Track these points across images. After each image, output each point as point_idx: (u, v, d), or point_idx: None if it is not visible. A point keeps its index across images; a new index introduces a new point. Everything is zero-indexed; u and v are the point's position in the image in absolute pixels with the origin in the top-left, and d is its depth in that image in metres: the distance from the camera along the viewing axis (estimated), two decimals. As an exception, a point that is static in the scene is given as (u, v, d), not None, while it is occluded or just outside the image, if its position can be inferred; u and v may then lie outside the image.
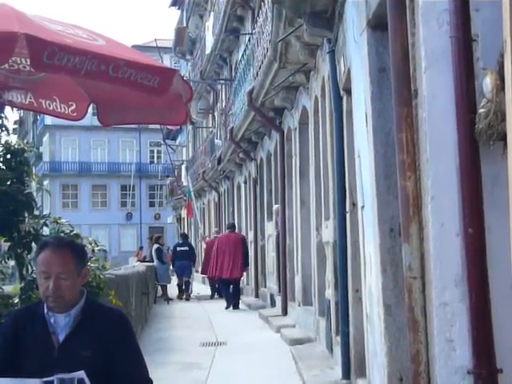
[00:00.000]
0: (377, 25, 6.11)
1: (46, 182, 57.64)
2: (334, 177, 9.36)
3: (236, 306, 19.69)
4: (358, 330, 7.99)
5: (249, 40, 18.03)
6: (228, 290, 20.15)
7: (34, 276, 5.07)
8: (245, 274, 21.07)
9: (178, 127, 42.59)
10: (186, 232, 28.76)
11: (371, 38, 6.28)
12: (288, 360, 11.12)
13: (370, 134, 6.29)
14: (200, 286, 24.28)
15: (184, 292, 23.73)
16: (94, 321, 3.63)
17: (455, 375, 4.41)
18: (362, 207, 7.13)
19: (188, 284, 24.03)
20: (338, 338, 9.24)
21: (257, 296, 20.71)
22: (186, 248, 24.30)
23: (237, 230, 22.36)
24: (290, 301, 15.23)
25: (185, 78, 5.65)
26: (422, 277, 4.70)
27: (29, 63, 4.31)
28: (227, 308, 19.66)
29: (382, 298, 6.08)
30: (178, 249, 24.38)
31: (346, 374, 8.69)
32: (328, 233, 10.43)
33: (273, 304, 17.73)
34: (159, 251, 23.46)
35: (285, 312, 15.62)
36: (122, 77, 3.99)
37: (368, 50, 6.31)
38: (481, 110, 4.18)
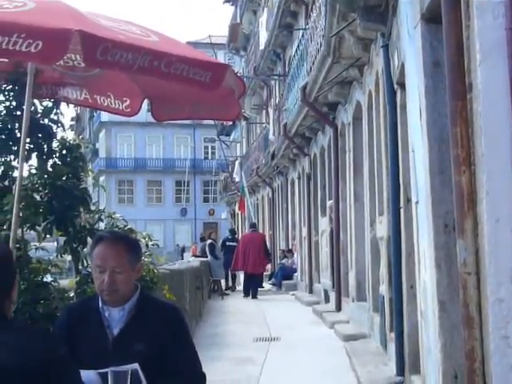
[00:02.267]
0: (431, 18, 6.03)
1: (102, 178, 58.33)
2: (388, 172, 9.30)
3: (255, 296, 22.08)
4: (413, 326, 7.93)
5: (302, 35, 17.98)
6: (249, 282, 22.73)
7: (89, 270, 5.13)
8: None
9: (232, 123, 42.78)
10: (234, 228, 29.38)
11: (425, 31, 6.21)
12: (342, 356, 11.10)
13: (424, 129, 6.22)
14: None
15: (232, 283, 25.58)
16: (148, 315, 3.65)
17: (511, 372, 4.35)
18: (417, 202, 7.06)
19: (235, 276, 25.64)
20: (392, 335, 9.19)
21: (311, 292, 20.69)
22: (235, 243, 24.94)
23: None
24: (344, 296, 15.17)
25: (238, 74, 5.68)
26: (477, 273, 4.64)
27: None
28: (245, 297, 22.34)
29: (436, 294, 6.02)
30: (227, 243, 25.10)
31: (401, 370, 8.63)
32: (382, 228, 10.37)
33: (327, 300, 17.68)
34: (212, 246, 23.72)
35: (339, 308, 15.57)
36: (175, 72, 4.01)
37: (422, 43, 6.24)
38: (537, 103, 4.11)
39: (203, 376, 3.74)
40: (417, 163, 6.87)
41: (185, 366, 3.64)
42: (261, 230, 30.91)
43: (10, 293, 2.88)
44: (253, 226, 25.72)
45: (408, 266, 8.22)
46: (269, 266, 27.35)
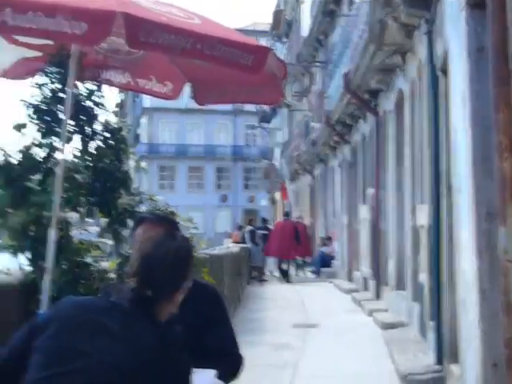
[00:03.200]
0: (475, 3, 5.97)
1: (143, 164, 58.54)
2: (430, 160, 9.24)
3: (288, 280, 23.40)
4: (452, 315, 7.89)
5: (345, 22, 17.90)
6: (285, 267, 23.97)
7: (130, 252, 5.17)
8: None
9: (273, 109, 42.75)
10: (266, 217, 29.89)
11: (469, 17, 6.15)
12: (380, 344, 11.08)
13: (467, 116, 6.17)
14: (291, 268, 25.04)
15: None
16: (188, 295, 3.66)
17: (551, 361, 4.31)
18: (458, 190, 7.02)
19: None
20: (431, 323, 9.15)
21: (350, 280, 20.66)
22: (266, 232, 25.38)
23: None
24: (383, 285, 15.13)
25: (279, 58, 5.65)
26: (518, 260, 4.60)
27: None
28: (280, 280, 23.53)
29: (476, 282, 5.98)
30: (258, 232, 25.29)
31: (439, 359, 8.60)
32: (423, 216, 10.30)
33: (366, 288, 17.65)
34: (252, 233, 23.85)
35: (377, 296, 15.54)
36: (217, 55, 4.02)
37: (466, 29, 6.18)
38: None
39: (241, 358, 3.76)
40: (459, 151, 6.82)
41: (223, 345, 3.66)
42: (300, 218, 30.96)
43: (172, 294, 2.80)
44: (286, 214, 27.25)
45: (448, 255, 8.17)
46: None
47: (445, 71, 8.05)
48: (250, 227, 24.77)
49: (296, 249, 24.68)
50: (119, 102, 77.40)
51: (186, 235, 6.08)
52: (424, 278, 10.12)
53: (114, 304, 2.69)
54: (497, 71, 4.76)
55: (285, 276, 23.79)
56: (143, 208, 6.14)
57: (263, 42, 43.86)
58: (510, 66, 4.64)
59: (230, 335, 3.74)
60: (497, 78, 4.76)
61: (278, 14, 38.63)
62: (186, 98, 5.96)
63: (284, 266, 24.23)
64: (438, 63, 8.51)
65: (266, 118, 48.72)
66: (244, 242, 24.74)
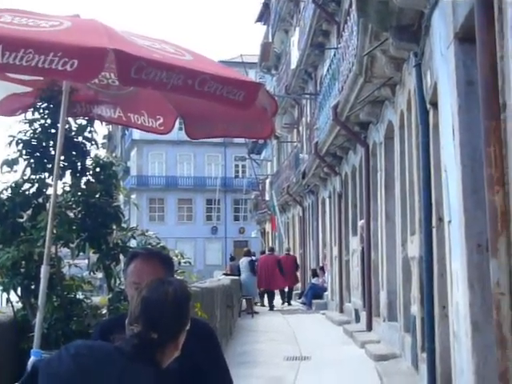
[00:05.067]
0: (464, 37, 6.02)
1: (133, 196, 58.59)
2: (420, 191, 9.26)
3: (272, 309, 24.99)
4: (445, 346, 7.86)
5: (334, 54, 18.01)
6: (270, 297, 25.65)
7: (122, 287, 5.15)
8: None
9: (263, 141, 42.87)
10: (250, 249, 29.81)
11: (459, 50, 6.20)
12: (373, 376, 11.01)
13: (457, 148, 6.20)
14: (279, 299, 25.15)
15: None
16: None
17: (545, 395, 4.29)
18: (449, 222, 7.02)
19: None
20: (424, 355, 9.12)
21: (341, 311, 20.60)
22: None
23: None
24: (375, 316, 15.08)
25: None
26: (511, 293, 4.60)
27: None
28: (270, 310, 24.94)
29: (469, 314, 5.97)
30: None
31: (432, 391, 8.56)
32: (414, 248, 10.31)
33: (357, 319, 17.59)
34: (252, 264, 23.97)
35: (369, 327, 15.47)
36: (208, 91, 4.03)
37: (455, 62, 6.22)
38: None
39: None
40: (449, 183, 6.84)
41: (218, 382, 3.63)
42: (291, 249, 31.05)
43: (175, 341, 2.85)
44: (270, 249, 29.01)
45: (440, 286, 8.16)
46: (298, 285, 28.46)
47: (434, 104, 8.09)
48: (248, 258, 24.81)
49: (281, 280, 25.81)
50: (107, 134, 77.47)
51: (178, 269, 6.07)
52: (416, 309, 10.11)
53: (117, 349, 2.68)
54: (487, 105, 4.78)
55: (270, 305, 25.09)
56: (134, 242, 6.13)
57: (252, 73, 44.11)
58: (500, 99, 4.67)
59: (225, 371, 3.71)
60: (487, 112, 4.78)
61: (266, 46, 38.84)
62: (176, 131, 5.95)
63: (269, 297, 25.53)
64: (427, 96, 8.56)
65: (255, 150, 48.83)
66: (235, 274, 24.66)
